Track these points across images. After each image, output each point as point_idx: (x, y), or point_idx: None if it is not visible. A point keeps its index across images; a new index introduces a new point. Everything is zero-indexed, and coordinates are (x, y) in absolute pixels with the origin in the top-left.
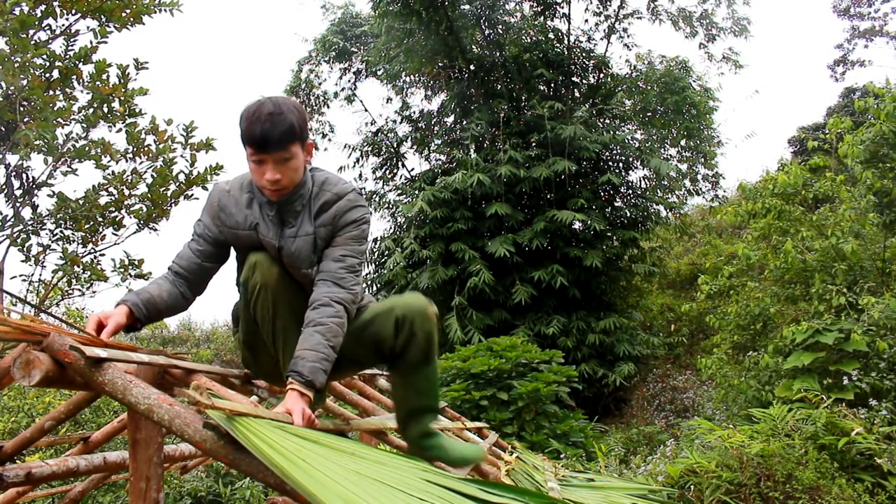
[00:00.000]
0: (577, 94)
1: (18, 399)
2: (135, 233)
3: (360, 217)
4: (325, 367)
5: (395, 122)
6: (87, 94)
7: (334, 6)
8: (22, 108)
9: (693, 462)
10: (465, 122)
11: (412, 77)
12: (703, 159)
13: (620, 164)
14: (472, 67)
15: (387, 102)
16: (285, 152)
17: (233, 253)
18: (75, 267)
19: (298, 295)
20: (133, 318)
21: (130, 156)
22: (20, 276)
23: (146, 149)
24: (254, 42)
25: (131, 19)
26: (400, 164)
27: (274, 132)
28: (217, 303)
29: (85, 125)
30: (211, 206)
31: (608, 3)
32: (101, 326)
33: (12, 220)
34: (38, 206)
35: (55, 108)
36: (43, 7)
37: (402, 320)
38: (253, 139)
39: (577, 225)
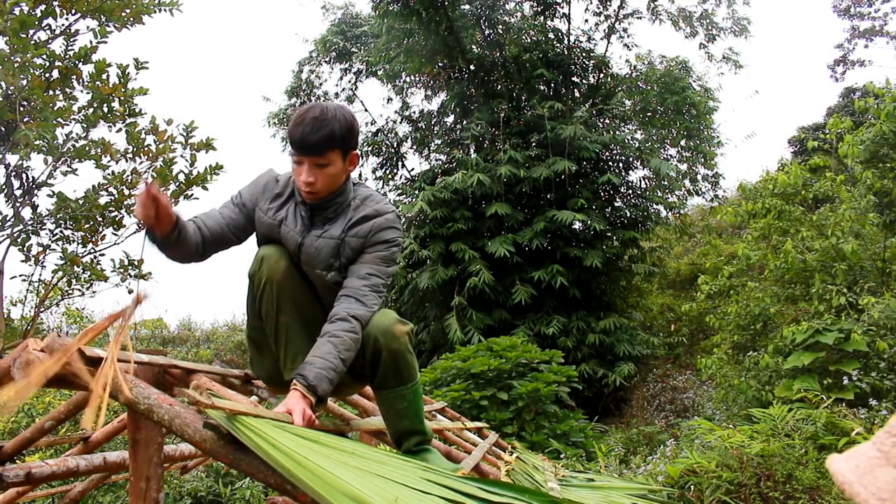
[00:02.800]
0: (577, 94)
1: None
2: (135, 233)
3: (392, 238)
4: (331, 377)
5: (395, 122)
6: (87, 94)
7: (334, 6)
8: (22, 108)
9: (693, 462)
10: (465, 122)
11: (412, 77)
12: (702, 159)
13: (620, 164)
14: (472, 67)
15: (387, 102)
16: (321, 158)
17: (251, 244)
18: (75, 267)
19: (305, 293)
20: (175, 226)
21: (130, 156)
22: (20, 276)
23: (146, 149)
24: (254, 42)
25: (131, 19)
26: (400, 164)
27: (313, 137)
28: (217, 303)
29: (85, 125)
30: (257, 184)
31: (608, 3)
32: (155, 201)
33: (12, 220)
34: (38, 206)
35: (55, 108)
36: (43, 7)
37: (367, 339)
38: (293, 140)
39: (577, 225)
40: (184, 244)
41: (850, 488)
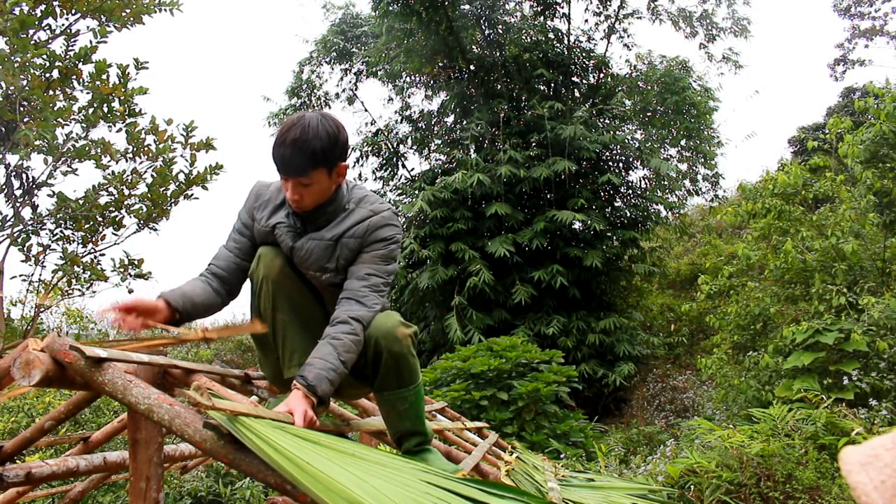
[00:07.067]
0: (577, 94)
1: (18, 399)
2: (135, 233)
3: (390, 236)
4: (331, 378)
5: (395, 122)
6: (87, 94)
7: (335, 7)
8: (22, 108)
9: (693, 462)
10: (465, 122)
11: (412, 77)
12: (702, 159)
13: (620, 164)
14: (472, 67)
15: (387, 102)
16: (305, 178)
17: None
18: (75, 267)
19: (302, 291)
20: (172, 311)
21: (130, 156)
22: (20, 276)
23: (146, 149)
24: (254, 42)
25: (131, 19)
26: (400, 164)
27: (294, 159)
28: None
29: (85, 125)
30: (249, 199)
31: (608, 3)
32: (134, 310)
33: (12, 220)
34: (38, 206)
35: (55, 108)
36: (43, 7)
37: (368, 340)
38: (275, 161)
39: (577, 225)
40: (200, 308)
41: None
